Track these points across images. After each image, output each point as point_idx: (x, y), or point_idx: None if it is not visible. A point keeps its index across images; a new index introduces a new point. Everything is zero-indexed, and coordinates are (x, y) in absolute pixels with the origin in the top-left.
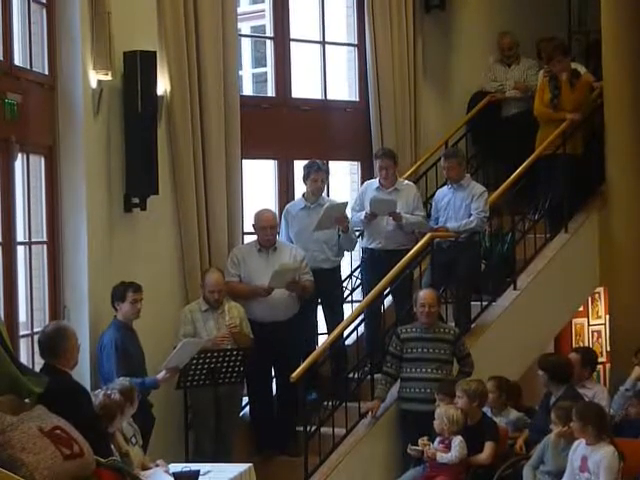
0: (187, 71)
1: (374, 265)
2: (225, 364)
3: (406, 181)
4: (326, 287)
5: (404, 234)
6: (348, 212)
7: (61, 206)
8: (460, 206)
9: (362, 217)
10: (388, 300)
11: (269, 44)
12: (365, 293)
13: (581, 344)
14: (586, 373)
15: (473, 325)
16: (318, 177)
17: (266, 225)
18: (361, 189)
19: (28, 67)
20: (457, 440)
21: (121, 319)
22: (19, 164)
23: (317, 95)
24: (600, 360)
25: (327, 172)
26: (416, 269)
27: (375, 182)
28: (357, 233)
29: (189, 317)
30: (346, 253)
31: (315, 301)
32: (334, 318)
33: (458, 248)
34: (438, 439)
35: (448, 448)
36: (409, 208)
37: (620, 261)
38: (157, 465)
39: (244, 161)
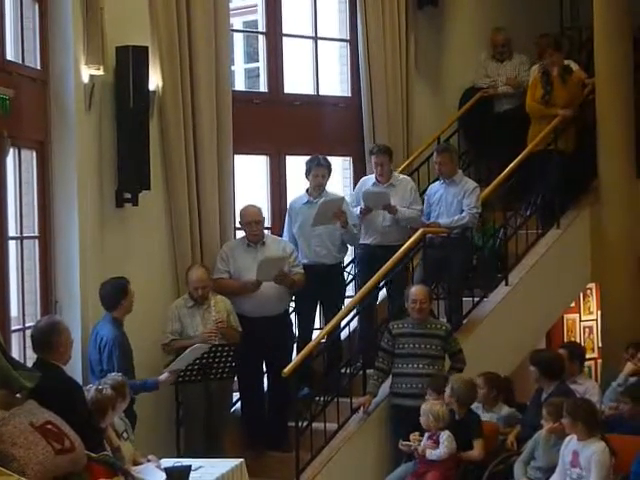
0: (179, 66)
1: (369, 261)
2: (217, 360)
3: (402, 175)
4: (327, 283)
5: (400, 230)
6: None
7: (53, 201)
8: (452, 202)
9: (358, 212)
10: (380, 295)
11: (261, 39)
12: (359, 289)
13: (573, 340)
14: (575, 367)
15: (465, 321)
16: (319, 172)
17: (251, 220)
18: (358, 185)
19: (20, 62)
20: (445, 435)
21: (117, 316)
22: (11, 159)
23: (309, 90)
24: (592, 356)
25: (329, 167)
26: (410, 264)
27: (371, 178)
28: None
29: (176, 314)
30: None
31: (315, 296)
32: (334, 314)
33: (450, 244)
34: (427, 435)
35: (437, 444)
36: (405, 202)
37: (612, 257)
38: (148, 460)
39: (236, 156)
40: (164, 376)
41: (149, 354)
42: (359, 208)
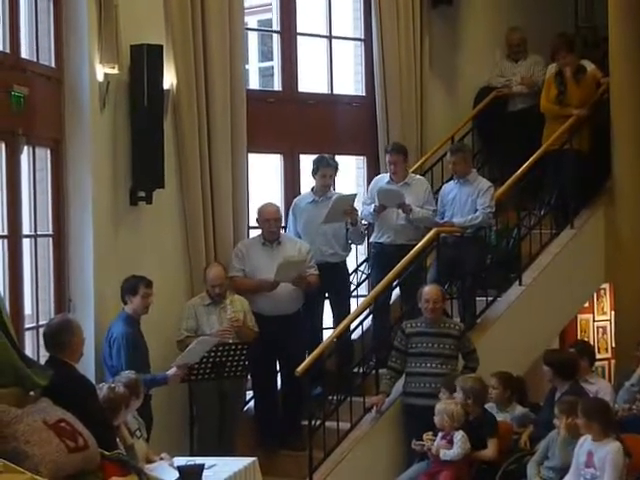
0: (194, 65)
1: (383, 259)
2: (230, 358)
3: (417, 176)
4: (333, 281)
5: (414, 228)
6: (357, 204)
7: (67, 199)
8: (466, 201)
9: (372, 210)
10: (394, 295)
11: (276, 38)
12: (373, 287)
13: (586, 339)
14: (585, 365)
15: (478, 320)
16: (326, 172)
17: (269, 218)
18: (372, 183)
19: (35, 60)
20: (459, 435)
21: (130, 313)
22: (25, 157)
23: (323, 89)
24: (605, 356)
25: (336, 167)
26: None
27: (386, 176)
28: (365, 227)
29: (192, 312)
30: (352, 247)
31: (321, 295)
32: (341, 312)
33: (464, 243)
34: (440, 435)
35: (451, 444)
36: (419, 202)
37: (626, 257)
38: (161, 458)
39: (250, 155)
40: (172, 371)
41: (163, 351)
42: (373, 206)
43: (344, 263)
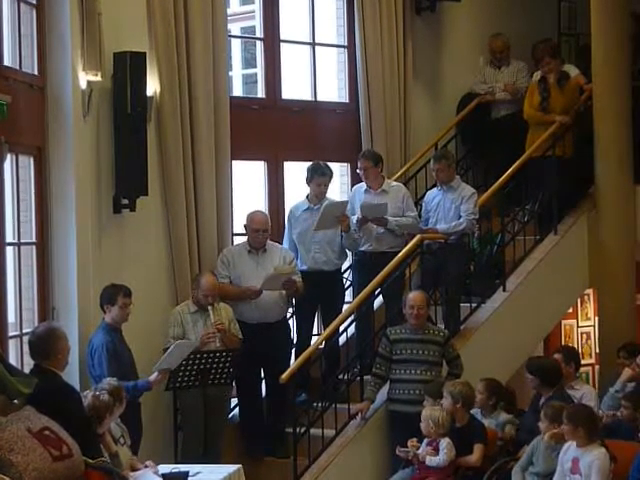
0: (177, 72)
1: (365, 267)
2: (215, 365)
3: (394, 182)
4: (327, 290)
5: (394, 236)
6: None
7: (50, 207)
8: (450, 208)
9: (354, 221)
10: (377, 302)
11: (259, 45)
12: (356, 295)
13: (571, 345)
14: (570, 371)
15: (462, 327)
16: (321, 182)
17: (259, 228)
18: (351, 194)
19: (18, 68)
20: (444, 442)
21: (109, 322)
22: (8, 165)
23: (307, 96)
24: (589, 362)
25: (331, 176)
26: (407, 270)
27: (363, 185)
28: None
29: (178, 319)
30: (348, 255)
31: (314, 303)
32: (333, 321)
33: (447, 250)
34: (425, 441)
35: (436, 450)
36: (398, 210)
37: (609, 263)
38: (146, 466)
39: (234, 162)
40: (154, 376)
41: (148, 359)
42: (356, 217)
43: (339, 272)
